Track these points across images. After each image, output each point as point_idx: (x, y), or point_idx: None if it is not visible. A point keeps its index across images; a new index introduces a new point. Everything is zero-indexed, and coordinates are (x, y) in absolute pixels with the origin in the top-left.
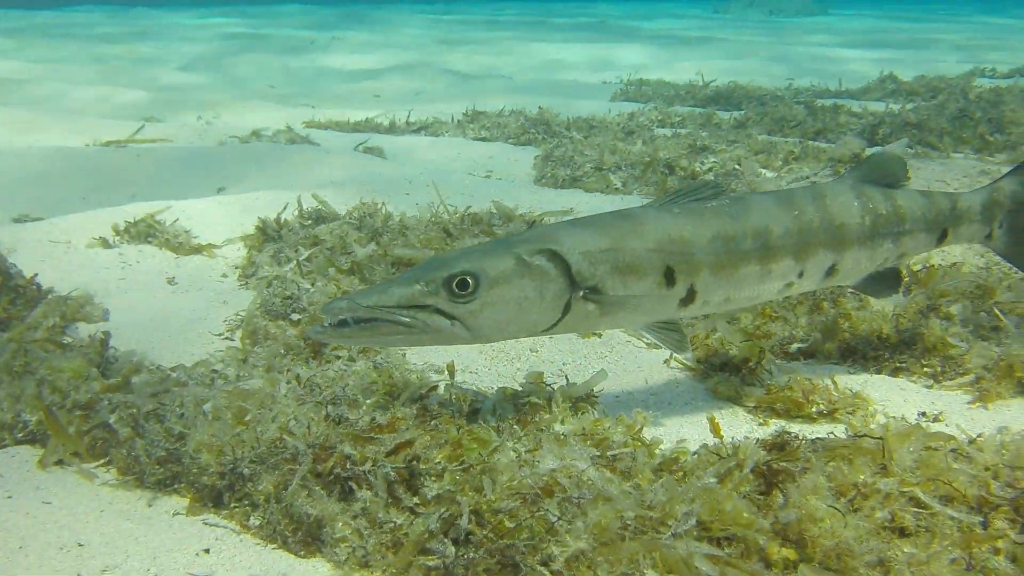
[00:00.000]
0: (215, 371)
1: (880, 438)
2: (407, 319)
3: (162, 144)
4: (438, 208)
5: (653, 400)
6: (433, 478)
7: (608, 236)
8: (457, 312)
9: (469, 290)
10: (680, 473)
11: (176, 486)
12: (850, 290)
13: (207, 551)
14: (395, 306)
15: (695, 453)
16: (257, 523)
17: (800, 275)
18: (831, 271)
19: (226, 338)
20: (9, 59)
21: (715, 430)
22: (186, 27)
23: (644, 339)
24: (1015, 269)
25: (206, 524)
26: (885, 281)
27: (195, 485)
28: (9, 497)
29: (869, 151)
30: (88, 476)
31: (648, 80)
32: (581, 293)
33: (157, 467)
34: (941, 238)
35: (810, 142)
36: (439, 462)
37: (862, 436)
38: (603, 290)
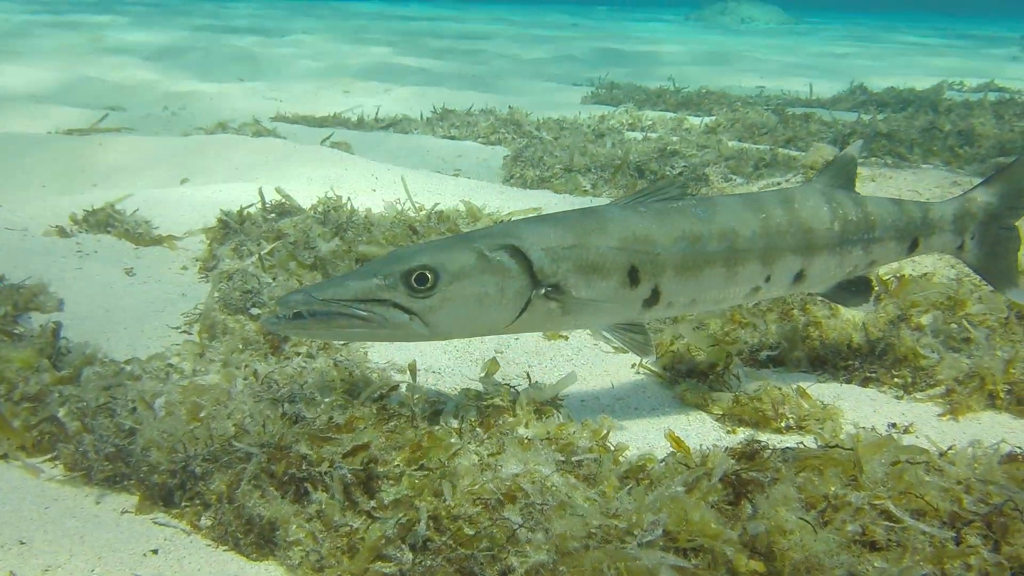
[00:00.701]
0: (170, 365)
1: (851, 449)
2: (364, 313)
3: (125, 133)
4: (405, 205)
5: (620, 405)
6: (391, 481)
7: (571, 233)
8: (415, 307)
9: (428, 285)
10: (647, 481)
11: (126, 483)
12: (820, 298)
13: (155, 552)
14: (352, 300)
15: (662, 461)
16: (208, 524)
17: (767, 280)
18: (799, 277)
19: (183, 332)
20: None
21: (675, 445)
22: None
23: (612, 343)
24: (986, 283)
25: (155, 523)
26: (855, 289)
27: (145, 483)
28: None
29: None
30: (33, 471)
31: (619, 83)
32: (543, 291)
33: (106, 463)
34: (912, 247)
35: (781, 149)
36: (397, 465)
37: (833, 447)
38: (565, 288)
